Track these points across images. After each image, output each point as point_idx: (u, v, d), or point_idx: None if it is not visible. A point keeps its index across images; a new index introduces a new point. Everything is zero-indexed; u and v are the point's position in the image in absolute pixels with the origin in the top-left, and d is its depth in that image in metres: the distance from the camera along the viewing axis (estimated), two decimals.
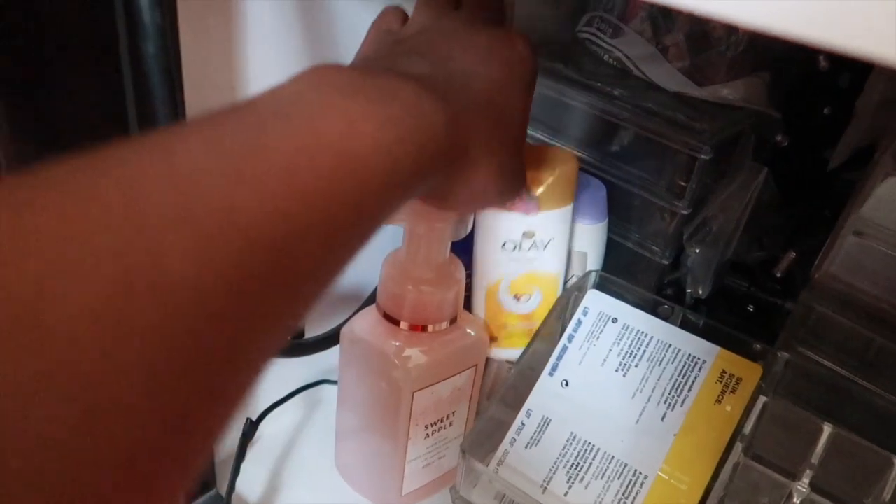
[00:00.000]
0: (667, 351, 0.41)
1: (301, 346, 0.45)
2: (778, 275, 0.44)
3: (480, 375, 0.46)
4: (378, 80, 0.24)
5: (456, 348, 0.43)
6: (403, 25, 0.34)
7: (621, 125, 0.47)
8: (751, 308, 0.45)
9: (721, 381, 0.40)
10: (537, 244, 0.44)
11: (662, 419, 0.40)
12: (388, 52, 0.31)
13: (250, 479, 0.49)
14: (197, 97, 0.35)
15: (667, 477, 0.38)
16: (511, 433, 0.41)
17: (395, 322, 0.42)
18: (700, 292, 0.47)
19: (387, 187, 0.22)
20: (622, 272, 0.49)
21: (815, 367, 0.44)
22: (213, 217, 0.17)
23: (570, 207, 0.44)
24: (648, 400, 0.40)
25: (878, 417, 0.42)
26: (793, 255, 0.43)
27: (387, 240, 0.41)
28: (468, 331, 0.44)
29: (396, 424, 0.43)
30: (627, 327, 0.42)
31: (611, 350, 0.42)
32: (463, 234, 0.40)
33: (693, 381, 0.40)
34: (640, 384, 0.41)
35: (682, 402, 0.40)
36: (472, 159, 0.28)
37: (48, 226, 0.15)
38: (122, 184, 0.16)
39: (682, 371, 0.40)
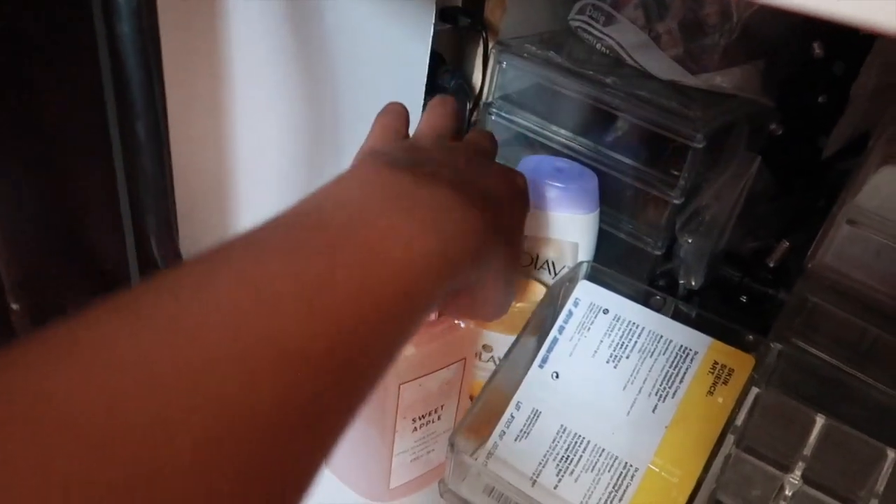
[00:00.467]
0: (658, 342, 0.41)
1: None
2: (771, 265, 0.43)
3: (470, 369, 0.46)
4: (431, 189, 0.26)
5: (444, 341, 0.43)
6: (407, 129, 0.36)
7: (613, 114, 0.47)
8: (744, 299, 0.44)
9: (713, 373, 0.39)
10: (494, 359, 0.46)
11: (654, 411, 0.39)
12: (408, 154, 0.31)
13: None
14: (178, 81, 0.34)
15: (658, 469, 0.38)
16: (500, 426, 0.41)
17: None
18: (693, 283, 0.46)
19: (433, 297, 0.25)
20: (614, 263, 0.48)
21: (808, 359, 0.43)
22: (291, 343, 0.20)
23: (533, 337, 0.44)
24: (640, 392, 0.40)
25: (872, 409, 0.41)
26: (786, 244, 0.43)
27: None
28: (457, 322, 0.44)
29: (383, 417, 0.43)
30: (619, 318, 0.42)
31: (602, 341, 0.41)
32: None
33: (685, 373, 0.39)
34: (632, 376, 0.40)
35: (674, 394, 0.39)
36: (486, 273, 0.30)
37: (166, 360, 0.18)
38: (209, 312, 0.19)
39: (673, 362, 0.40)
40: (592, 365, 0.41)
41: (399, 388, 0.42)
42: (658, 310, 0.43)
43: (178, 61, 0.34)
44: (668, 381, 0.39)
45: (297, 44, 0.41)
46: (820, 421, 0.37)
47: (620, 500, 0.38)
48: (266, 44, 0.40)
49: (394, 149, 0.32)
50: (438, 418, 0.46)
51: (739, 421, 0.39)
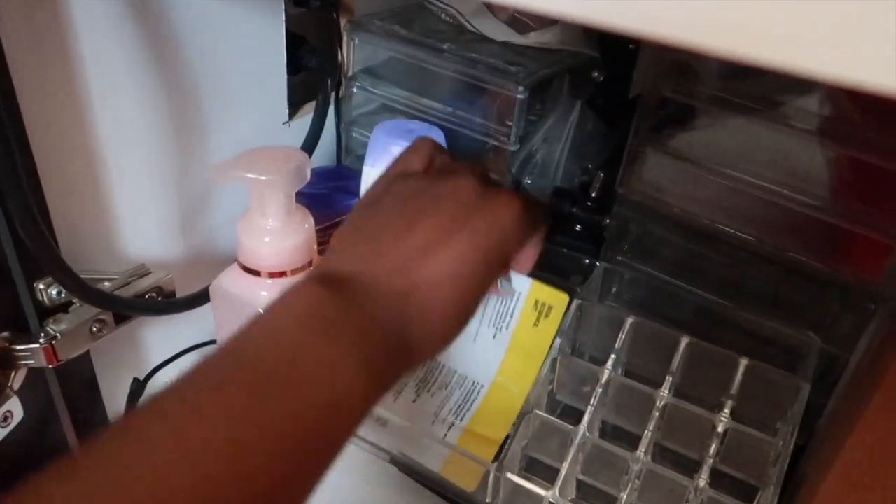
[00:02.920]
0: None
1: (173, 305, 0.49)
2: (593, 195, 0.49)
3: None
4: (360, 311, 0.27)
5: None
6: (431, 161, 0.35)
7: (451, 76, 0.52)
8: (578, 228, 0.50)
9: (536, 309, 0.45)
10: None
11: (494, 338, 0.45)
12: (366, 224, 0.32)
13: None
14: (33, 95, 0.38)
15: (500, 383, 0.44)
16: None
17: (256, 273, 0.46)
18: None
19: (363, 407, 0.27)
20: None
21: (637, 275, 0.50)
22: (213, 492, 0.22)
23: None
24: (481, 322, 0.45)
25: (695, 313, 0.48)
26: (600, 175, 0.49)
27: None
28: None
29: None
30: None
31: None
32: (303, 182, 0.45)
33: (514, 310, 0.45)
34: None
35: (508, 326, 0.45)
36: (424, 341, 0.29)
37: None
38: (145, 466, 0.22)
39: (503, 301, 0.45)
40: None
41: None
42: None
43: (29, 75, 0.38)
44: (501, 317, 0.45)
45: (152, 46, 0.45)
46: (629, 320, 0.44)
47: (469, 409, 0.44)
48: (118, 47, 0.43)
49: (346, 250, 0.32)
50: None
51: (570, 330, 0.45)
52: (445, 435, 0.43)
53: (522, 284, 0.45)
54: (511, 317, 0.45)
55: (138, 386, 0.51)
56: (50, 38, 0.40)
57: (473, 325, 0.45)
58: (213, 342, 0.57)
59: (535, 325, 0.44)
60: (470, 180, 0.31)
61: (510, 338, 0.45)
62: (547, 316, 0.44)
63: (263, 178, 0.43)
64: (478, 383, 0.44)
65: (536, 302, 0.44)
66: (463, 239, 0.29)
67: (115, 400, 0.51)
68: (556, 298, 0.44)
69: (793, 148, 0.42)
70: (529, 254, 0.36)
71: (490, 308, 0.45)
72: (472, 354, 0.45)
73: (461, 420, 0.43)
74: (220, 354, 0.26)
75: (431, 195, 0.31)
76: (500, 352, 0.44)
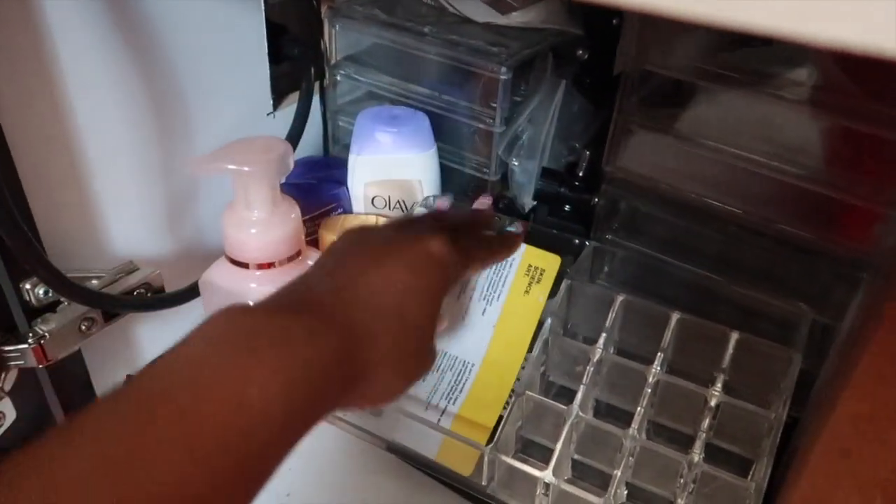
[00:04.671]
0: None
1: (162, 300, 0.49)
2: (580, 174, 0.49)
3: None
4: (275, 324, 0.27)
5: None
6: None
7: (435, 59, 0.52)
8: (567, 207, 0.50)
9: (528, 274, 0.45)
10: None
11: (483, 314, 0.45)
12: (326, 265, 0.33)
13: None
14: (10, 95, 0.38)
15: (491, 359, 0.44)
16: None
17: (244, 265, 0.46)
18: (525, 201, 0.52)
19: (284, 428, 0.25)
20: (460, 194, 0.54)
21: (627, 253, 0.50)
22: None
23: None
24: (471, 299, 0.45)
25: (687, 289, 0.48)
26: (587, 154, 0.48)
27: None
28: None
29: None
30: None
31: None
32: (286, 172, 0.44)
33: (506, 278, 0.45)
34: (462, 286, 0.46)
35: (499, 297, 0.45)
36: (375, 369, 0.29)
37: None
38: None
39: (496, 270, 0.46)
40: None
41: None
42: (498, 230, 0.49)
43: (2, 71, 0.38)
44: (493, 287, 0.45)
45: (129, 40, 0.45)
46: (619, 298, 0.44)
47: (461, 391, 0.44)
48: (95, 42, 0.43)
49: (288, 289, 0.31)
50: None
51: (560, 310, 0.45)
52: (439, 420, 0.43)
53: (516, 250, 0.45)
54: (503, 285, 0.45)
55: None
56: (23, 35, 0.39)
57: (462, 301, 0.45)
58: None
59: (526, 292, 0.44)
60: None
61: (500, 310, 0.44)
62: (538, 281, 0.44)
63: (246, 168, 0.43)
64: (469, 363, 0.44)
65: (529, 266, 0.44)
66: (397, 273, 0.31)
67: None
68: (548, 261, 0.44)
69: (781, 119, 0.42)
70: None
71: (482, 280, 0.45)
72: (462, 333, 0.45)
73: (454, 404, 0.43)
74: (137, 385, 0.24)
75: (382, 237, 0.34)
76: (490, 327, 0.44)
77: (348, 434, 0.53)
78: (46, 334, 0.42)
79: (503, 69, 0.48)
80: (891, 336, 0.27)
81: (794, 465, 0.35)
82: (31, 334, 0.41)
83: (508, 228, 0.48)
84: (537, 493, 0.39)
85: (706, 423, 0.39)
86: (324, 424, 0.53)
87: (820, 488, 0.30)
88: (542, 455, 0.43)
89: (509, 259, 0.46)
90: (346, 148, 0.61)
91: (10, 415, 0.41)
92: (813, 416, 0.38)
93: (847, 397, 0.28)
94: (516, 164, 0.51)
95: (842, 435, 0.29)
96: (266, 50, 0.55)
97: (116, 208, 0.48)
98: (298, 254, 0.47)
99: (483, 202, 0.51)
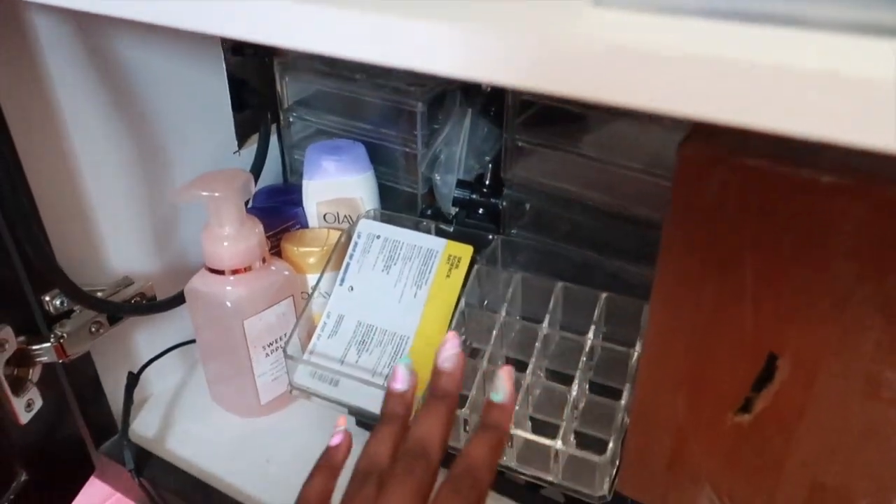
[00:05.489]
0: (414, 249, 0.58)
1: (155, 306, 0.59)
2: (487, 182, 0.61)
3: (299, 303, 0.62)
4: None
5: (271, 282, 0.59)
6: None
7: (366, 99, 0.64)
8: (481, 211, 0.62)
9: (449, 262, 0.56)
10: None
11: (415, 296, 0.56)
12: None
13: (147, 424, 0.64)
14: (25, 146, 0.49)
15: (422, 331, 0.55)
16: (317, 331, 0.57)
17: (219, 272, 0.57)
18: (448, 208, 0.64)
19: None
20: (398, 208, 0.65)
21: (528, 242, 0.61)
22: None
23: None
24: (405, 285, 0.57)
25: (577, 268, 0.60)
26: (489, 166, 0.60)
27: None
28: (278, 269, 0.60)
29: (237, 348, 0.59)
30: (388, 239, 0.59)
31: (378, 257, 0.58)
32: (249, 195, 0.56)
33: (432, 266, 0.57)
34: (399, 276, 0.57)
35: (427, 282, 0.56)
36: None
37: None
38: None
39: (424, 261, 0.57)
40: (374, 275, 0.58)
41: (243, 323, 0.58)
42: (427, 232, 0.60)
43: (21, 132, 0.49)
44: (422, 274, 0.57)
45: (118, 99, 0.57)
46: (517, 276, 0.55)
47: (400, 358, 0.55)
48: (92, 104, 0.54)
49: None
50: (285, 344, 0.62)
51: (469, 290, 0.57)
52: (384, 384, 0.54)
53: (438, 244, 0.57)
54: (430, 272, 0.56)
55: (132, 378, 0.61)
56: (34, 94, 0.51)
57: (398, 288, 0.57)
58: (192, 341, 0.67)
59: (448, 276, 0.55)
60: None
61: (428, 292, 0.56)
62: (456, 267, 0.55)
63: (217, 194, 0.54)
64: (405, 336, 0.55)
65: (449, 256, 0.56)
66: None
67: (115, 391, 0.61)
68: (463, 250, 0.56)
69: (625, 131, 0.54)
70: None
71: (413, 270, 0.57)
72: (399, 312, 0.56)
73: None
74: None
75: None
76: (420, 306, 0.56)
77: (317, 405, 0.64)
78: (65, 335, 0.52)
79: (419, 104, 0.60)
80: (664, 277, 0.39)
81: None
82: (52, 336, 0.52)
83: (494, 397, 0.37)
84: None
85: (582, 362, 0.50)
86: (298, 400, 0.64)
87: (648, 393, 0.42)
88: (463, 402, 0.54)
89: (434, 251, 0.57)
90: (301, 177, 0.73)
91: (38, 402, 0.52)
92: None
93: (652, 320, 0.39)
94: (438, 178, 0.63)
95: (652, 350, 0.40)
96: (229, 100, 0.66)
97: (113, 234, 0.59)
98: (264, 260, 0.59)
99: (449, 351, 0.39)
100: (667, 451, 0.43)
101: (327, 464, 0.38)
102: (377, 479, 0.33)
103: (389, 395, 0.37)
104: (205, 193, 0.54)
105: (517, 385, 0.49)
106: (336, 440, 0.38)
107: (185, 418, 0.65)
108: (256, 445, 0.61)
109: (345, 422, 0.39)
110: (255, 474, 0.59)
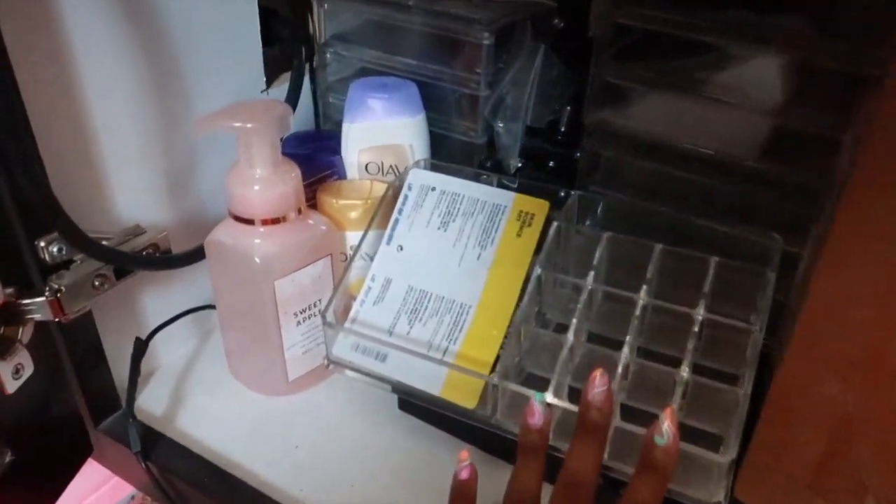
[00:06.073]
0: (477, 204, 0.49)
1: (171, 260, 0.50)
2: (562, 129, 0.52)
3: (338, 264, 0.53)
4: None
5: (306, 237, 0.50)
6: None
7: (419, 30, 0.55)
8: (552, 163, 0.53)
9: (519, 219, 0.48)
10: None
11: (478, 258, 0.48)
12: None
13: (155, 399, 0.55)
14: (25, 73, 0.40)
15: (487, 299, 0.46)
16: (360, 297, 0.49)
17: (248, 221, 0.48)
18: (511, 162, 0.55)
19: None
20: (450, 160, 0.56)
21: (609, 200, 0.52)
22: None
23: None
24: (466, 246, 0.48)
25: (665, 231, 0.51)
26: (568, 109, 0.51)
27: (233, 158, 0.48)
28: (315, 223, 0.51)
29: (265, 313, 0.50)
30: (444, 192, 0.50)
31: (433, 213, 0.49)
32: (286, 131, 0.47)
33: (499, 223, 0.48)
34: (458, 234, 0.48)
35: (493, 242, 0.48)
36: None
37: None
38: None
39: (489, 217, 0.48)
40: (427, 233, 0.49)
41: (274, 284, 0.49)
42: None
43: (18, 48, 0.40)
44: (486, 233, 0.48)
45: (134, 26, 0.47)
46: (605, 235, 0.47)
47: (460, 331, 0.46)
48: (103, 24, 0.45)
49: None
50: (319, 312, 0.53)
51: (552, 255, 0.48)
52: (442, 357, 0.45)
53: (507, 198, 0.48)
54: (496, 231, 0.47)
55: (141, 345, 0.52)
56: (37, 12, 0.42)
57: (458, 248, 0.48)
58: (209, 307, 0.59)
59: (518, 235, 0.47)
60: None
61: (494, 254, 0.47)
62: (529, 225, 0.47)
63: (249, 125, 0.45)
64: (466, 304, 0.46)
65: (520, 213, 0.47)
66: None
67: (118, 360, 0.52)
68: (538, 206, 0.47)
69: (745, 62, 0.45)
70: None
71: (476, 227, 0.48)
72: (458, 277, 0.47)
73: (455, 343, 0.46)
74: None
75: None
76: (485, 270, 0.47)
77: (354, 384, 0.55)
78: (63, 289, 0.43)
79: (486, 35, 0.51)
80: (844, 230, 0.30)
81: (771, 368, 0.38)
82: (47, 289, 0.43)
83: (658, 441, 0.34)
84: None
85: (692, 343, 0.42)
86: (332, 376, 0.55)
87: (798, 374, 0.33)
88: (541, 387, 0.45)
89: (502, 206, 0.48)
90: (337, 125, 0.64)
91: (29, 367, 0.43)
92: (784, 332, 0.41)
93: (818, 286, 0.31)
94: (501, 126, 0.54)
95: (813, 324, 0.32)
96: (258, 33, 0.57)
97: (121, 178, 0.50)
98: (299, 211, 0.50)
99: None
100: (817, 451, 0.34)
101: (463, 495, 0.37)
102: None
103: (528, 429, 0.37)
104: (237, 124, 0.45)
105: (612, 365, 0.41)
106: (464, 474, 0.37)
107: (198, 394, 0.56)
108: (282, 428, 0.53)
109: (468, 455, 0.38)
110: (281, 461, 0.50)
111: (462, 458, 0.38)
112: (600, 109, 0.49)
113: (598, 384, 0.36)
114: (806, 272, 0.39)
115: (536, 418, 0.37)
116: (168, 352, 0.58)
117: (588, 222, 0.54)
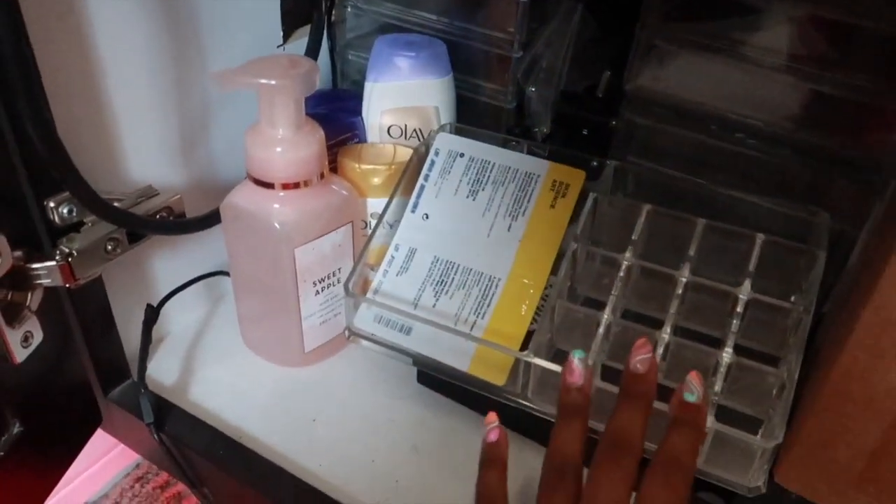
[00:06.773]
0: (507, 172, 0.47)
1: (186, 224, 0.48)
2: (600, 95, 0.49)
3: (358, 231, 0.51)
4: None
5: (328, 203, 0.47)
6: None
7: None
8: (585, 131, 0.50)
9: (553, 189, 0.45)
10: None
11: (509, 230, 0.45)
12: None
13: (165, 368, 0.53)
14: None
15: (517, 272, 0.44)
16: (383, 266, 0.46)
17: (268, 185, 0.46)
18: (543, 128, 0.52)
19: None
20: (476, 123, 0.54)
21: (647, 172, 0.50)
22: None
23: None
24: (496, 216, 0.46)
25: (705, 205, 0.49)
26: (608, 74, 0.49)
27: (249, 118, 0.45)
28: (338, 189, 0.49)
29: (284, 282, 0.48)
30: (473, 159, 0.47)
31: (461, 180, 0.47)
32: (311, 90, 0.44)
33: (531, 193, 0.46)
34: (488, 204, 0.46)
35: (524, 213, 0.45)
36: None
37: None
38: None
39: (521, 186, 0.46)
40: (455, 201, 0.47)
41: (294, 251, 0.47)
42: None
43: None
44: (518, 202, 0.46)
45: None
46: (646, 208, 0.44)
47: (489, 305, 0.44)
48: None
49: None
50: (338, 281, 0.51)
51: (585, 226, 0.46)
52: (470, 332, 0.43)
53: (540, 167, 0.46)
54: (529, 201, 0.45)
55: (152, 312, 0.50)
56: None
57: (487, 218, 0.46)
58: (221, 272, 0.56)
59: (552, 206, 0.45)
60: None
61: (525, 225, 0.45)
62: (564, 196, 0.44)
63: (273, 82, 0.42)
64: (495, 277, 0.44)
65: (554, 182, 0.45)
66: None
67: (128, 327, 0.50)
68: (573, 175, 0.45)
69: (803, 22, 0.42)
70: None
71: (507, 197, 0.46)
72: (487, 249, 0.45)
73: (482, 318, 0.44)
74: None
75: None
76: (515, 242, 0.45)
77: (370, 355, 0.53)
78: (74, 252, 0.41)
79: None
80: None
81: (817, 364, 0.36)
82: (57, 252, 0.41)
83: (688, 398, 0.33)
84: None
85: (735, 324, 0.40)
86: (349, 347, 0.54)
87: (861, 360, 0.32)
88: None
89: (535, 175, 0.46)
90: (355, 83, 0.61)
91: (38, 335, 0.41)
92: (836, 317, 0.40)
93: (876, 298, 0.29)
94: (533, 90, 0.52)
95: (884, 310, 0.30)
96: None
97: (133, 136, 0.47)
98: (321, 176, 0.47)
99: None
100: (871, 443, 0.33)
101: (494, 458, 0.36)
102: (573, 473, 0.32)
103: (568, 388, 0.35)
104: (262, 81, 0.42)
105: (653, 343, 0.39)
106: (493, 436, 0.36)
107: (210, 363, 0.54)
108: (299, 401, 0.51)
109: (496, 417, 0.37)
110: (298, 434, 0.48)
111: (489, 420, 0.37)
112: (643, 74, 0.46)
113: (641, 352, 0.34)
114: (867, 253, 0.37)
115: (576, 376, 0.35)
116: (178, 319, 0.56)
117: (624, 190, 0.51)
